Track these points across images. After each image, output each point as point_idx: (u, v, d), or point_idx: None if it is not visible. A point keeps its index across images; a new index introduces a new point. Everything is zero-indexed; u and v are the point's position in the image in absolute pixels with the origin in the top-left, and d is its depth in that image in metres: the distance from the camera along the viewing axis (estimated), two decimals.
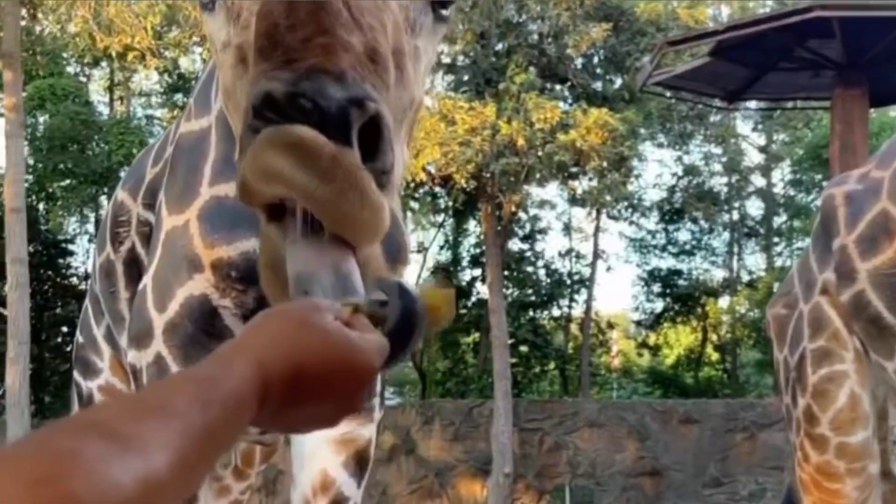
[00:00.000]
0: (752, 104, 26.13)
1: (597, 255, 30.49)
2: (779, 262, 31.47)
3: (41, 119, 28.37)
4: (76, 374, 4.50)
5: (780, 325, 4.95)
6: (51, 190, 27.92)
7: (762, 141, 32.95)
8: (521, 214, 28.66)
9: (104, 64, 28.31)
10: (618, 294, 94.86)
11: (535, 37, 24.11)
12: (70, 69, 28.02)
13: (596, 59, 25.83)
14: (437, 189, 26.51)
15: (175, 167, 3.22)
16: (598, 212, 28.78)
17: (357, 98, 1.43)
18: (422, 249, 32.14)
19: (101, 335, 4.24)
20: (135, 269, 3.49)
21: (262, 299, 2.87)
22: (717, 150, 30.69)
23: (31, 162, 25.78)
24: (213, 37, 2.01)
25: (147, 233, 3.46)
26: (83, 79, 29.35)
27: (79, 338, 4.54)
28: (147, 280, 3.17)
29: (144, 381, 3.10)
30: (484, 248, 28.38)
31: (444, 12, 1.93)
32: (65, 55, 27.47)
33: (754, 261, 33.56)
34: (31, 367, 21.24)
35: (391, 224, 1.55)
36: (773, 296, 5.48)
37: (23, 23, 24.49)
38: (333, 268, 1.44)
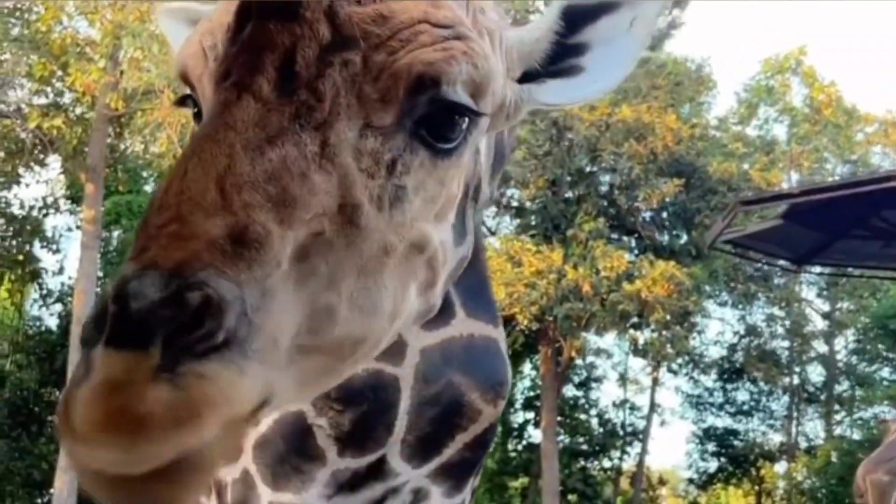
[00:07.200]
0: (817, 269, 25.97)
1: (652, 408, 30.32)
2: (839, 431, 30.80)
3: (115, 234, 29.11)
4: None
5: (880, 493, 4.84)
6: None
7: (826, 307, 32.69)
8: (578, 361, 28.63)
9: None
10: (671, 450, 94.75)
11: (606, 187, 24.61)
12: (148, 188, 28.85)
13: (665, 214, 26.06)
14: None
15: None
16: (658, 364, 28.65)
17: (173, 296, 1.37)
18: None
19: None
20: None
21: (358, 422, 2.85)
22: (781, 313, 30.54)
23: (100, 275, 26.29)
24: None
25: None
26: None
27: None
28: None
29: (229, 499, 2.87)
30: (539, 391, 28.41)
31: (446, 145, 1.79)
32: (145, 174, 28.32)
33: (813, 427, 32.96)
34: None
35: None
36: (866, 461, 5.35)
37: (108, 140, 25.41)
38: None
